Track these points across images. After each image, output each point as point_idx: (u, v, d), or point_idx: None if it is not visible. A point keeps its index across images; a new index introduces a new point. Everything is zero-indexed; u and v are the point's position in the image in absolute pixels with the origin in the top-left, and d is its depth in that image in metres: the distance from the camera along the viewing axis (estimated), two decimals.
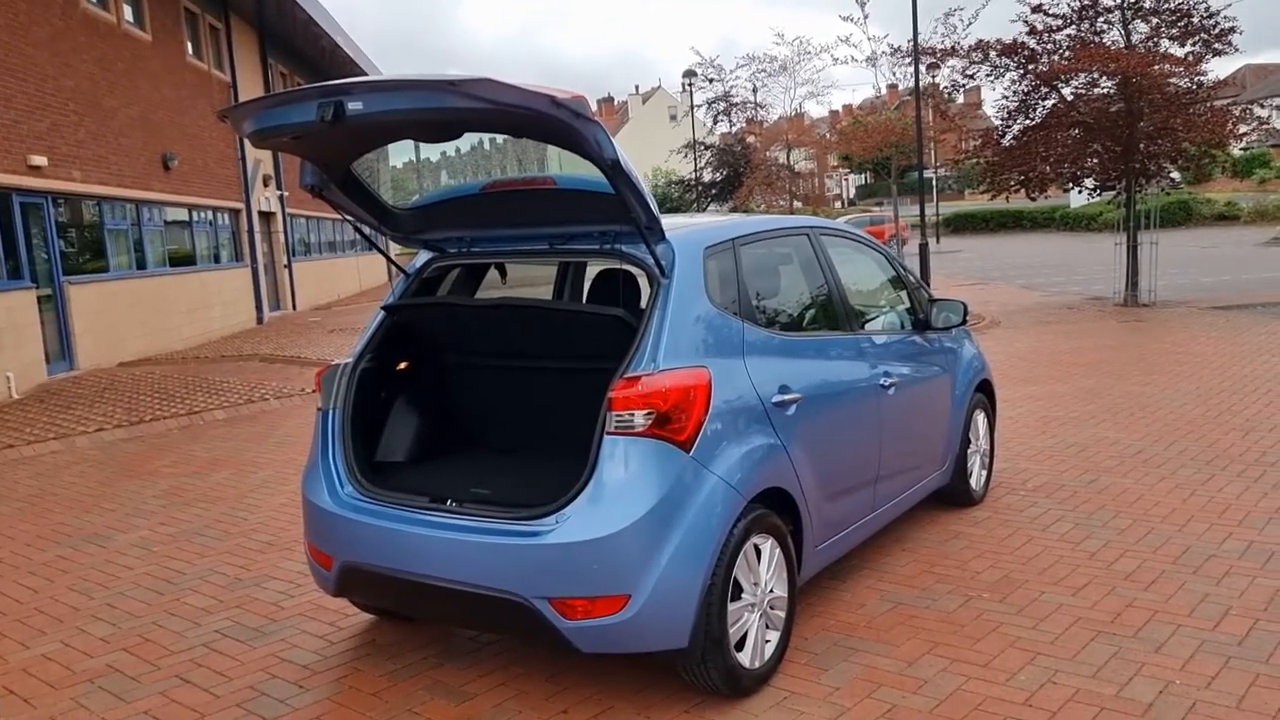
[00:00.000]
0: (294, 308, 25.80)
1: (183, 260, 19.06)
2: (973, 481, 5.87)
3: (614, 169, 3.30)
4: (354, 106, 3.20)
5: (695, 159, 40.69)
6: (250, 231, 22.89)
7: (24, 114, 13.33)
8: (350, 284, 33.62)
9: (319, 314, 24.32)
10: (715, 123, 43.67)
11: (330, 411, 4.08)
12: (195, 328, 18.50)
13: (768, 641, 3.78)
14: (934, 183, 55.98)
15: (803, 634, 4.18)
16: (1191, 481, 6.19)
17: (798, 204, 40.84)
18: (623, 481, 3.34)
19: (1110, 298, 17.10)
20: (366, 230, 4.30)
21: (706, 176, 44.32)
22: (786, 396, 3.90)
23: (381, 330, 4.28)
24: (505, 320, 4.18)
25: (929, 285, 15.74)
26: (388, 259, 4.50)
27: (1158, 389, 9.29)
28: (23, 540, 6.20)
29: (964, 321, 5.35)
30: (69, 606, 4.97)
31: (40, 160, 13.54)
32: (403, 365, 4.45)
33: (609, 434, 3.36)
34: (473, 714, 3.64)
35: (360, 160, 4.03)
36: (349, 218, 4.22)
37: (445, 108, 3.15)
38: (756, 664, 3.69)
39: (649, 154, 58.23)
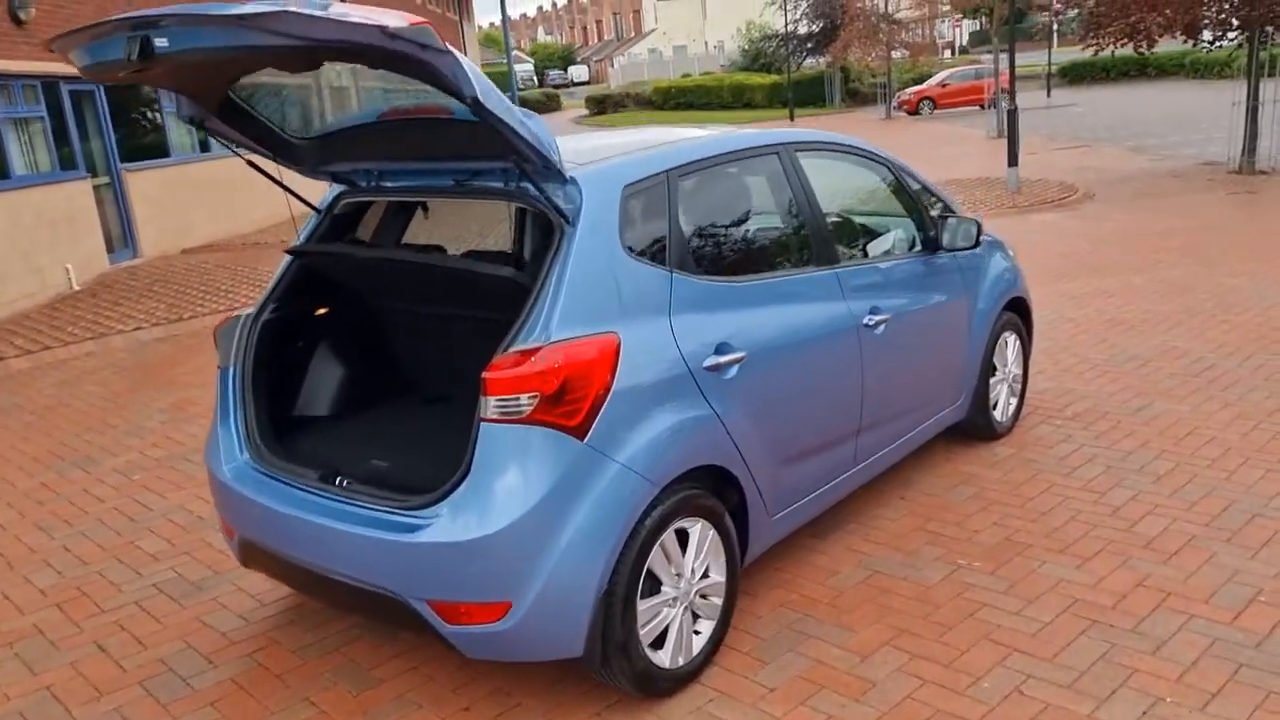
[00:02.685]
0: None
1: None
2: (997, 413, 5.25)
3: (476, 108, 2.74)
4: (160, 43, 2.70)
5: (786, 10, 38.40)
6: None
7: None
8: None
9: None
10: None
11: (230, 369, 3.72)
12: (268, 209, 18.45)
13: (697, 633, 3.37)
14: (1053, 27, 51.87)
15: (757, 610, 3.76)
16: (1259, 410, 5.43)
17: (901, 54, 38.32)
18: (500, 476, 2.90)
19: (1225, 163, 15.52)
20: (259, 160, 3.82)
21: (802, 29, 42.05)
22: (725, 358, 3.36)
23: (289, 276, 3.87)
24: (404, 273, 3.70)
25: (1018, 152, 14.54)
26: (288, 191, 3.96)
27: (1252, 281, 8.30)
28: (16, 463, 6.17)
29: (976, 244, 4.61)
30: (27, 548, 4.87)
31: None
32: (322, 311, 4.05)
33: (485, 421, 2.91)
34: (371, 706, 3.36)
35: (251, 84, 3.54)
36: (237, 150, 3.76)
37: (255, 45, 2.63)
38: (680, 662, 3.28)
39: (744, 6, 55.43)
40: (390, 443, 3.74)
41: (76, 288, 12.36)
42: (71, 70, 13.23)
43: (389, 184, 3.76)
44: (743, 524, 3.54)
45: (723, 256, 3.68)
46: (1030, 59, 41.68)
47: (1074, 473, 4.81)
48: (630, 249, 3.23)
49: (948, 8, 39.32)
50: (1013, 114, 14.51)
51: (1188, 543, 4.04)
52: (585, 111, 48.83)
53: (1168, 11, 14.26)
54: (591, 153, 3.49)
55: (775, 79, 42.96)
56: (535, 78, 78.05)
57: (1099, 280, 8.88)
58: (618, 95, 49.01)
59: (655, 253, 3.32)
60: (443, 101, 3.34)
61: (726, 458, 3.38)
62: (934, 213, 4.78)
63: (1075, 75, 42.26)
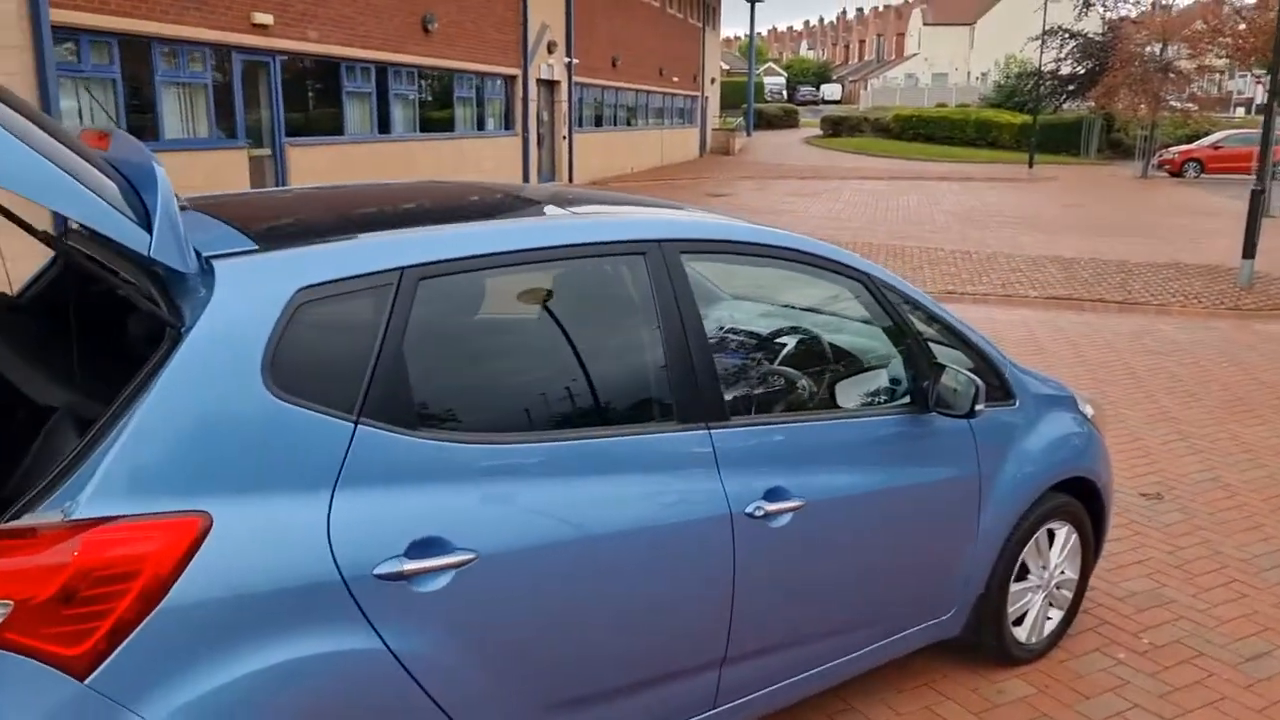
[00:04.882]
0: (570, 179, 25.41)
1: (438, 125, 18.90)
2: (1020, 631, 3.76)
3: None
4: None
5: (1043, 48, 35.28)
6: (524, 99, 22.44)
7: None
8: (649, 158, 32.88)
9: (593, 187, 23.73)
10: (1086, 5, 37.73)
11: None
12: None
13: None
14: None
15: None
16: None
17: (1181, 105, 34.09)
18: None
19: None
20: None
21: (1065, 70, 38.75)
22: (425, 563, 2.20)
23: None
24: None
25: (1257, 241, 12.10)
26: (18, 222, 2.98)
27: None
28: None
29: (971, 413, 3.15)
30: None
31: (265, 18, 13.43)
32: None
33: None
34: None
35: None
36: None
37: None
38: None
39: (1014, 39, 51.80)
40: None
41: None
42: (245, 40, 13.40)
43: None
44: None
45: (487, 403, 2.50)
46: None
47: None
48: (284, 383, 2.14)
49: (1224, 60, 34.68)
50: (1258, 194, 12.10)
51: None
52: (819, 131, 47.21)
53: None
54: (310, 236, 2.44)
55: (1026, 119, 39.81)
56: (784, 91, 76.83)
57: None
58: (855, 119, 47.09)
59: (336, 392, 2.20)
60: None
61: (404, 715, 2.23)
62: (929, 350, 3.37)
63: None
